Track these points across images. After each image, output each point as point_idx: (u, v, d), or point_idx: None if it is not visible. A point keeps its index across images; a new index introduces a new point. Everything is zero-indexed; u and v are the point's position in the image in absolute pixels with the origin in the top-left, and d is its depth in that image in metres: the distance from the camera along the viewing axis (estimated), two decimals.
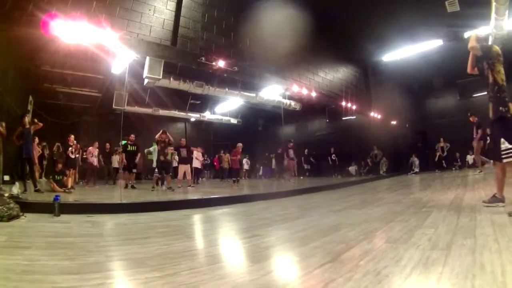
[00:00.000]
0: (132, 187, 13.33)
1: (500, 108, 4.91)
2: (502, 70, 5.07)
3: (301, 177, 21.21)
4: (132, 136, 13.72)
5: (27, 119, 10.51)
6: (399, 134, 25.07)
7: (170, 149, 13.88)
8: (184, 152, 13.95)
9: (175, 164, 15.23)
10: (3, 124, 9.36)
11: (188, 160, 14.19)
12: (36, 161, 12.94)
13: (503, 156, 4.88)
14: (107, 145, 17.37)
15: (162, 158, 12.77)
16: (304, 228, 4.96)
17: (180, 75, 15.65)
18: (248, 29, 12.90)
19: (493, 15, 11.51)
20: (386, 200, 8.25)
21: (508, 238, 3.36)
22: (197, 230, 5.91)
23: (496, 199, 5.12)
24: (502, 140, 4.87)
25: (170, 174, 13.36)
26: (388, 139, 23.50)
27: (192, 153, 15.10)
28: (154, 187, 12.55)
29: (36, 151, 12.81)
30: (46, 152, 15.54)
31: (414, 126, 25.16)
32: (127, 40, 9.99)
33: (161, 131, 13.06)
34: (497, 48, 5.20)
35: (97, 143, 15.69)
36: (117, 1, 10.09)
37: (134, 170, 14.08)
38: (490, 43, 13.77)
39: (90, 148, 15.28)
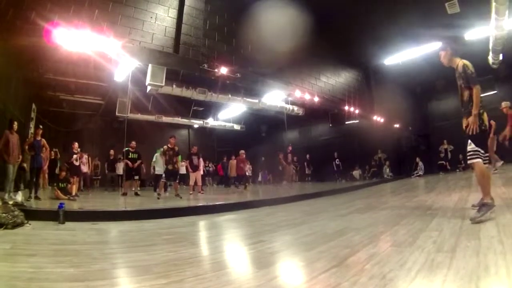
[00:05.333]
0: (136, 194, 13.34)
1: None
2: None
3: (306, 179, 21.05)
4: (133, 144, 13.72)
5: (40, 131, 10.83)
6: (402, 137, 25.00)
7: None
8: (195, 159, 14.04)
9: (182, 171, 15.28)
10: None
11: (198, 167, 14.27)
12: (46, 170, 13.17)
13: (468, 157, 4.80)
14: (111, 152, 17.40)
15: (170, 167, 12.71)
16: (309, 233, 4.96)
17: (182, 82, 15.65)
18: (249, 35, 12.93)
19: (493, 15, 11.49)
20: (390, 203, 8.24)
21: None
22: (202, 237, 5.92)
23: (486, 206, 4.48)
24: (469, 141, 4.77)
25: (177, 181, 13.33)
26: (391, 142, 23.46)
27: (200, 159, 15.14)
28: (159, 195, 12.43)
29: (45, 161, 12.92)
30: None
31: (417, 128, 25.06)
32: (130, 48, 10.02)
33: (171, 138, 13.09)
34: (466, 62, 5.06)
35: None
36: (119, 9, 10.14)
37: (136, 177, 14.10)
38: (490, 44, 13.78)
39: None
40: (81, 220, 7.06)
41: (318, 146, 26.27)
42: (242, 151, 16.53)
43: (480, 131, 4.76)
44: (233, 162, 18.12)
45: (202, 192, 14.16)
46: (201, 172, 15.43)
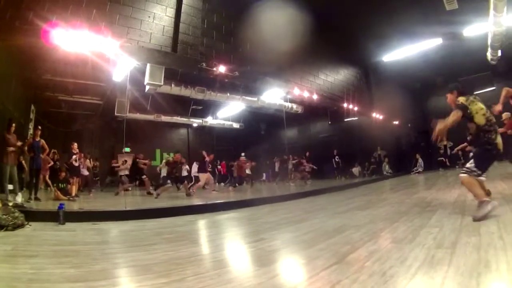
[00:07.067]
0: (148, 193, 13.51)
1: (487, 146, 4.87)
2: (480, 105, 5.00)
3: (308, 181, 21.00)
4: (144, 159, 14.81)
5: (38, 132, 10.78)
6: (401, 134, 25.02)
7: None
8: (206, 163, 14.63)
9: (184, 173, 15.68)
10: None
11: (207, 169, 14.69)
12: (47, 171, 13.16)
13: (462, 171, 4.96)
14: (120, 162, 17.56)
15: (173, 176, 13.33)
16: (310, 231, 4.97)
17: (181, 81, 15.64)
18: (247, 33, 12.93)
19: (491, 11, 11.49)
20: (390, 200, 8.25)
21: None
22: (203, 236, 5.92)
23: (483, 205, 4.54)
24: (472, 160, 4.94)
25: (185, 182, 13.59)
26: (391, 139, 23.46)
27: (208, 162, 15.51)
28: (158, 195, 12.48)
29: (46, 162, 12.92)
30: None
31: (417, 125, 25.11)
32: (128, 47, 10.00)
33: (177, 154, 13.95)
34: (462, 99, 5.06)
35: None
36: (117, 9, 10.11)
37: (144, 177, 14.38)
38: (489, 40, 13.79)
39: (82, 159, 15.27)
40: (81, 220, 7.05)
41: (317, 144, 26.18)
42: (242, 156, 17.75)
43: (486, 151, 4.90)
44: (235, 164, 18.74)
45: (214, 190, 14.51)
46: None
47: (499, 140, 4.90)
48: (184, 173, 15.94)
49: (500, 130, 6.59)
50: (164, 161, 14.43)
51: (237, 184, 17.40)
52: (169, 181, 13.17)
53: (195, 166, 15.92)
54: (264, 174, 26.07)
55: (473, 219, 4.44)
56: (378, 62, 21.24)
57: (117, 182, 17.52)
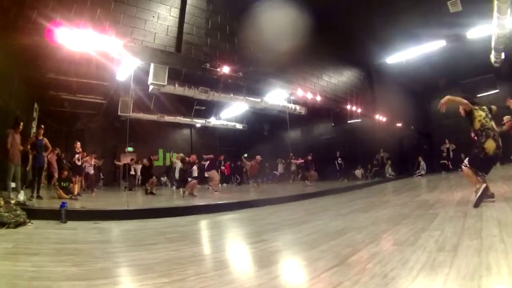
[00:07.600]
0: (151, 193, 13.59)
1: (475, 150, 6.04)
2: (480, 113, 6.14)
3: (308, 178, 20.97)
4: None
5: (41, 130, 10.92)
6: (404, 136, 24.93)
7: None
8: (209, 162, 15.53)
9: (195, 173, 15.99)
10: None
11: (217, 167, 15.28)
12: (56, 166, 13.22)
13: (463, 165, 6.27)
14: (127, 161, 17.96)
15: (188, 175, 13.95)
16: (311, 232, 4.96)
17: (185, 81, 15.65)
18: (251, 34, 12.90)
19: (495, 14, 11.44)
20: (392, 202, 8.23)
21: None
22: (204, 236, 5.92)
23: (477, 191, 5.68)
24: (467, 158, 6.23)
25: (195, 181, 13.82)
26: (393, 141, 23.39)
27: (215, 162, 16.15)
28: (190, 194, 12.60)
29: (53, 159, 13.03)
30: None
31: (419, 127, 25.02)
32: (132, 47, 10.00)
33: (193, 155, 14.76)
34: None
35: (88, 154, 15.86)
36: (121, 9, 10.11)
37: (154, 177, 14.75)
38: (492, 43, 13.77)
39: (87, 157, 15.29)
40: (83, 219, 7.07)
41: (320, 145, 26.18)
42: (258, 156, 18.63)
43: (474, 153, 6.07)
44: (249, 163, 19.14)
45: (217, 191, 14.54)
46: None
47: (488, 144, 5.84)
48: (194, 174, 16.12)
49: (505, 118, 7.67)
50: (180, 157, 14.56)
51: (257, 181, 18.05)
52: (189, 178, 13.31)
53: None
54: (277, 173, 26.10)
55: (473, 206, 5.52)
56: (381, 64, 21.14)
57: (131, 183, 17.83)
